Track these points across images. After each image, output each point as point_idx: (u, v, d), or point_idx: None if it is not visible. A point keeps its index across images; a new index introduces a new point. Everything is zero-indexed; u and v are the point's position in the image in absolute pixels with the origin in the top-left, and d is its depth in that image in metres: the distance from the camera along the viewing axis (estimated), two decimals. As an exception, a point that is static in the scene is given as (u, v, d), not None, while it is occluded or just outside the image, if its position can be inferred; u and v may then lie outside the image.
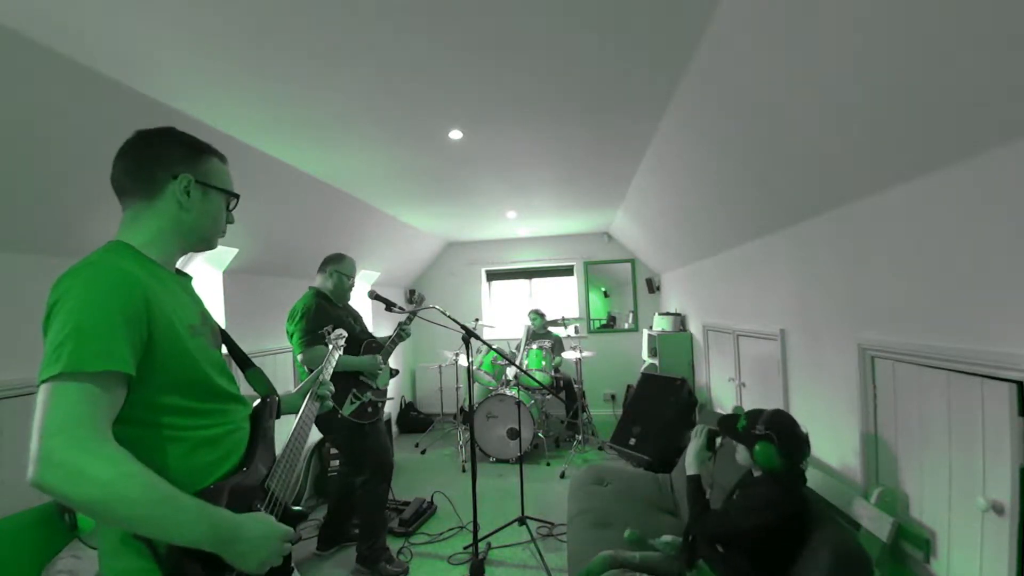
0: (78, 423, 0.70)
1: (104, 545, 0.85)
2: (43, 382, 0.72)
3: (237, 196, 1.06)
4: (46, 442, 0.68)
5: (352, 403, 2.43)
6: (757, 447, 1.55)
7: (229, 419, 0.96)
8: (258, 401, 1.10)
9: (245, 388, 1.11)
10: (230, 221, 1.06)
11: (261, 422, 1.05)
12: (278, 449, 1.09)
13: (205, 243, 1.03)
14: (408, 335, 2.76)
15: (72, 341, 0.72)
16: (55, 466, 0.67)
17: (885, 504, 1.58)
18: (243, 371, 1.17)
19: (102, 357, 0.73)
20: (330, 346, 1.55)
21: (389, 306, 2.41)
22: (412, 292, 6.11)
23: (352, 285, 2.66)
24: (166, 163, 0.94)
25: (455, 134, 2.42)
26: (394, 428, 5.08)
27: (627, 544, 1.84)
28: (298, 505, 1.04)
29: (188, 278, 1.03)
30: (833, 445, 2.01)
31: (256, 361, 1.19)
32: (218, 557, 0.80)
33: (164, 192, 0.93)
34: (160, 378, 0.83)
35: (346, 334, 1.65)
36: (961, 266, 1.30)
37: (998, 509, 1.22)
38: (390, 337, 2.72)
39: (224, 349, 1.10)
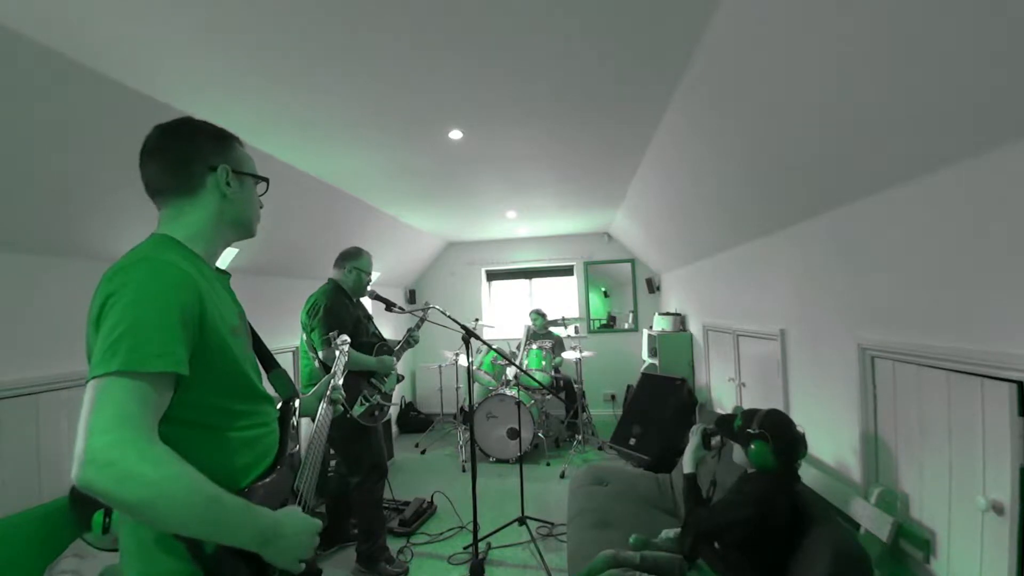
0: (128, 423, 0.68)
1: (130, 544, 0.82)
2: (95, 377, 0.69)
3: (267, 180, 1.05)
4: (94, 440, 0.66)
5: (362, 405, 2.44)
6: (752, 446, 1.56)
7: (262, 420, 0.95)
8: (281, 403, 1.09)
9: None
10: (260, 206, 1.05)
11: (287, 424, 1.05)
12: (302, 451, 1.09)
13: (248, 231, 1.02)
14: (416, 341, 2.79)
15: (129, 338, 0.71)
16: (103, 466, 0.65)
17: (885, 504, 1.58)
18: (267, 372, 1.16)
19: (159, 357, 0.72)
20: (337, 352, 1.57)
21: (389, 306, 2.41)
22: (412, 292, 6.11)
23: (369, 280, 2.65)
24: (201, 155, 0.92)
25: (455, 134, 2.42)
26: (394, 428, 5.08)
27: (632, 548, 1.86)
28: None
29: (227, 276, 1.02)
30: (833, 445, 2.01)
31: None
32: (260, 558, 0.79)
33: (205, 185, 0.92)
34: (207, 378, 0.82)
35: (350, 340, 1.67)
36: (961, 266, 1.30)
37: (998, 509, 1.22)
38: (399, 342, 2.73)
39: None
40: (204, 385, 0.81)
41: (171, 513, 0.68)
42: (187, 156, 0.91)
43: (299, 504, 0.98)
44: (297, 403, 1.15)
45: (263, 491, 0.88)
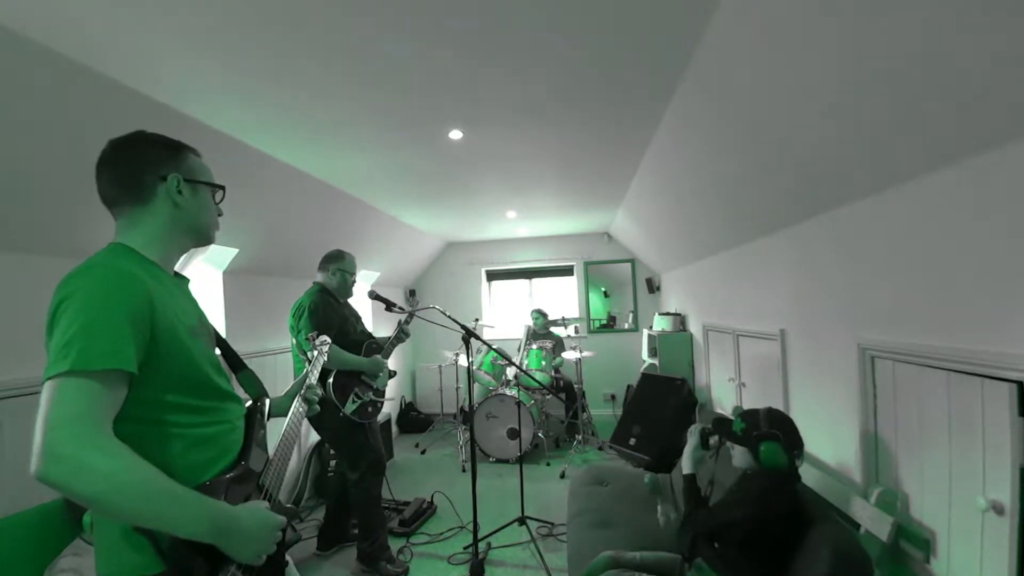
0: (81, 418, 0.71)
1: (102, 540, 0.85)
2: (48, 379, 0.73)
3: (223, 188, 1.08)
4: (49, 436, 0.69)
5: (354, 402, 2.45)
6: (763, 447, 1.54)
7: (225, 417, 0.98)
8: (250, 402, 1.12)
9: (237, 391, 1.12)
10: (219, 213, 1.08)
11: (254, 422, 1.08)
12: (270, 449, 1.11)
13: (204, 237, 1.05)
14: (407, 336, 2.78)
15: (79, 340, 0.74)
16: (58, 459, 0.68)
17: (885, 504, 1.58)
18: (235, 373, 1.19)
19: (108, 356, 0.75)
20: (315, 352, 1.58)
21: (389, 306, 2.41)
22: (412, 292, 6.11)
23: (355, 281, 2.69)
24: (151, 166, 0.96)
25: (455, 134, 2.42)
26: (394, 428, 5.08)
27: (648, 488, 1.87)
28: (297, 505, 1.07)
29: (186, 281, 1.05)
30: (833, 445, 2.01)
31: (256, 361, 1.21)
32: (218, 550, 0.82)
33: (156, 194, 0.96)
34: (162, 377, 0.85)
35: (330, 340, 1.69)
36: (961, 266, 1.30)
37: (998, 509, 1.22)
38: (389, 338, 2.74)
39: (217, 351, 1.12)
40: (159, 383, 0.85)
41: (124, 504, 0.71)
42: (137, 167, 0.95)
43: (263, 497, 1.00)
44: (267, 402, 1.17)
45: (224, 486, 0.91)
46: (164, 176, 0.96)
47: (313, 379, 1.36)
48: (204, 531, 0.79)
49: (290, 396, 1.30)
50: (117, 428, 0.76)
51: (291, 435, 1.18)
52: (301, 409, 1.27)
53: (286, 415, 1.25)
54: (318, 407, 1.34)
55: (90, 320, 0.76)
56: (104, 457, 0.71)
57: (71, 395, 0.72)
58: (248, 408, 1.10)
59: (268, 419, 1.18)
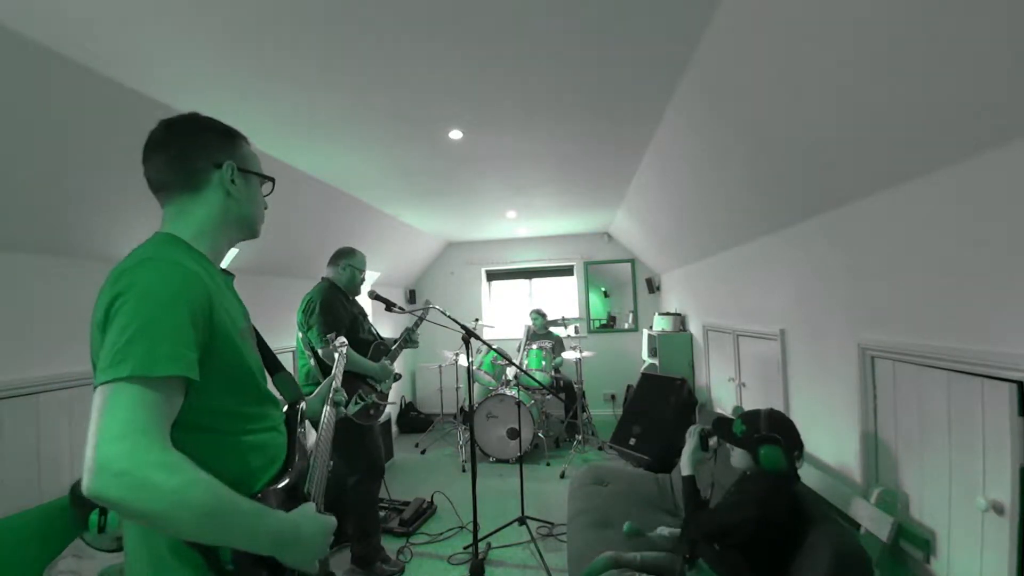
0: (141, 430, 0.65)
1: (144, 555, 0.79)
2: (103, 383, 0.67)
3: (272, 179, 1.02)
4: (105, 450, 0.63)
5: (357, 404, 2.43)
6: (763, 450, 1.54)
7: (271, 423, 0.94)
8: (287, 406, 1.08)
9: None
10: (265, 207, 1.03)
11: (294, 427, 1.03)
12: (309, 455, 1.10)
13: (252, 231, 1.00)
14: (416, 345, 2.76)
15: (139, 342, 0.68)
16: (116, 475, 0.62)
17: (885, 504, 1.58)
18: (271, 375, 1.13)
19: (171, 361, 0.69)
20: (336, 354, 1.58)
21: (389, 306, 2.41)
22: (412, 292, 6.11)
23: (363, 279, 2.66)
24: (206, 152, 0.90)
25: (455, 134, 2.42)
26: (394, 428, 5.08)
27: (625, 537, 1.85)
28: None
29: (231, 276, 0.99)
30: (833, 445, 2.01)
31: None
32: (278, 561, 0.78)
33: (210, 182, 0.90)
34: (218, 381, 0.79)
35: (347, 341, 1.68)
36: (961, 266, 1.30)
37: (998, 509, 1.22)
38: (397, 341, 2.72)
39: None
40: (215, 388, 0.79)
41: (188, 521, 0.66)
42: (192, 152, 0.89)
43: None
44: (303, 406, 1.13)
45: (276, 495, 0.86)
46: (219, 163, 0.90)
47: (338, 382, 1.36)
48: (267, 544, 0.74)
49: (321, 399, 1.28)
50: (174, 437, 0.70)
51: (325, 440, 1.16)
52: (332, 413, 1.25)
53: (317, 419, 1.22)
54: (343, 409, 1.33)
55: (151, 320, 0.69)
56: (166, 473, 0.64)
57: (130, 404, 0.66)
58: (287, 412, 1.05)
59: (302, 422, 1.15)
